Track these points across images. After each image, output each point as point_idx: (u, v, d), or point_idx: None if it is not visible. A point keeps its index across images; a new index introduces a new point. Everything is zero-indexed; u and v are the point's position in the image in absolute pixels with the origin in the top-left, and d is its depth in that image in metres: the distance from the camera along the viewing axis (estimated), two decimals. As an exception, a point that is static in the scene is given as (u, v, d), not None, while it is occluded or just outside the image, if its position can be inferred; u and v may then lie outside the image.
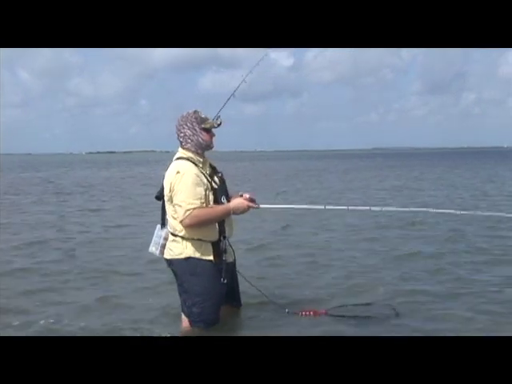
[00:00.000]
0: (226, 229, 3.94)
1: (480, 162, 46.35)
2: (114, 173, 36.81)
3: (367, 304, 4.67)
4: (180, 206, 3.73)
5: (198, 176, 3.78)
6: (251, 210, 3.96)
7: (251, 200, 3.95)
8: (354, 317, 4.33)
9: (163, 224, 4.04)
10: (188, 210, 3.70)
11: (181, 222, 3.75)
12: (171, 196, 3.78)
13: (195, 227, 3.77)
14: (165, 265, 4.10)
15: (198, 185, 3.75)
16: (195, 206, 3.71)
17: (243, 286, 4.46)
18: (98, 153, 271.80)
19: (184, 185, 3.72)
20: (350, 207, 4.56)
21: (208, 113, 4.03)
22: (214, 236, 3.86)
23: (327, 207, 4.49)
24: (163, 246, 4.00)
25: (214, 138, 3.96)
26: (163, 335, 3.94)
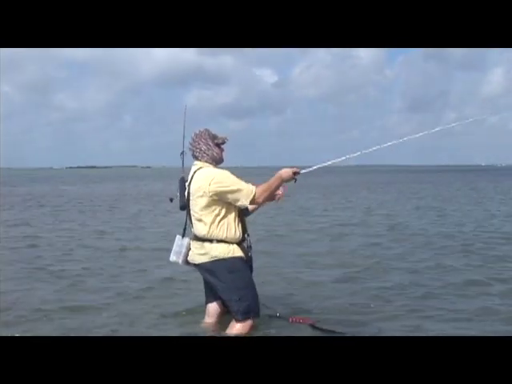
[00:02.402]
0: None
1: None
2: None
3: (355, 323, 4.60)
4: (242, 190, 3.98)
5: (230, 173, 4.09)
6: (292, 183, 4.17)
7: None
8: (339, 333, 4.22)
9: (183, 234, 4.32)
10: (252, 187, 4.01)
11: (252, 200, 3.98)
12: (219, 197, 4.00)
13: (264, 201, 4.09)
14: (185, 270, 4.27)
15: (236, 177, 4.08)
16: (252, 184, 4.03)
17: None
18: (79, 167, 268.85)
19: (230, 178, 4.03)
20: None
21: (193, 128, 4.41)
22: (239, 236, 4.15)
23: (363, 151, 4.46)
24: (185, 255, 4.27)
25: (223, 153, 4.28)
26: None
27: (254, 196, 3.98)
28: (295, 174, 4.10)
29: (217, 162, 4.24)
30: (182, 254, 4.28)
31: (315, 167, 4.39)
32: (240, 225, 4.17)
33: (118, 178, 62.64)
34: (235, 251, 4.10)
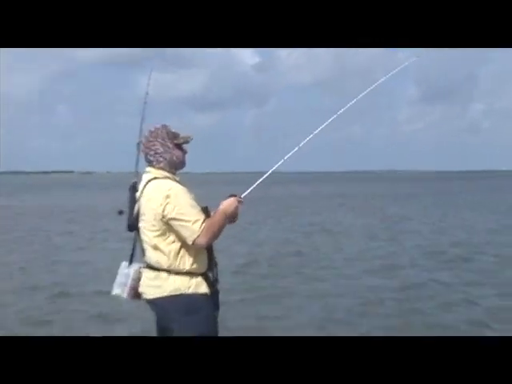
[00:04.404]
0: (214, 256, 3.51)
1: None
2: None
3: None
4: (189, 224, 3.21)
5: (189, 192, 3.36)
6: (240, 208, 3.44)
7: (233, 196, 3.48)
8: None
9: (131, 261, 3.51)
10: (200, 225, 3.21)
11: (194, 241, 3.22)
12: (167, 220, 3.25)
13: (208, 243, 3.30)
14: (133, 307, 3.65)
15: (193, 200, 3.33)
16: (203, 220, 3.25)
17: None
18: (3, 173, 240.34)
19: (183, 203, 3.25)
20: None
21: (147, 124, 3.60)
22: (204, 266, 3.36)
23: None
24: (132, 288, 3.43)
25: (185, 156, 3.49)
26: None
27: (204, 230, 3.20)
28: (239, 202, 3.41)
29: (176, 167, 3.45)
30: (128, 286, 3.43)
31: (252, 187, 3.61)
32: (206, 253, 3.37)
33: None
34: (198, 286, 3.30)
